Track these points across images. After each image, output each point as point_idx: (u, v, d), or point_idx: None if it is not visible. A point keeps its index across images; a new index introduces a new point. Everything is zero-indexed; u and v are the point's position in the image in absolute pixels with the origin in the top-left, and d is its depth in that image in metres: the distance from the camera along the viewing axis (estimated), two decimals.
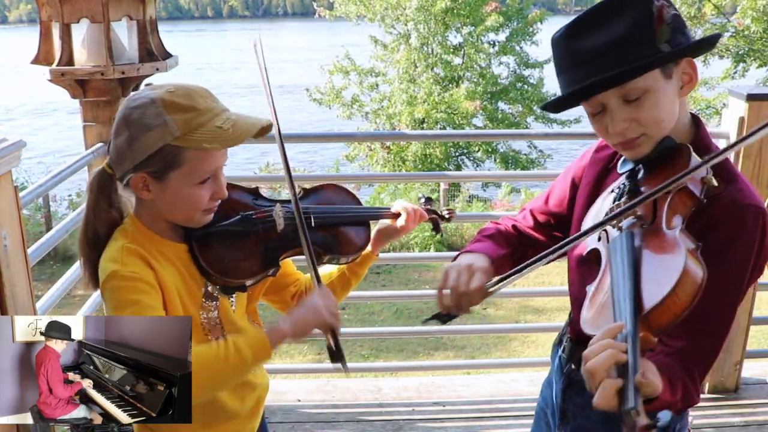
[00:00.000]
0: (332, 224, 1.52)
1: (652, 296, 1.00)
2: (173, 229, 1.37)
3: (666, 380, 1.08)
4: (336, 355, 1.33)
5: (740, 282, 1.19)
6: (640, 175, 1.26)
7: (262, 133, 1.34)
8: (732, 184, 1.21)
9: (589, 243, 1.25)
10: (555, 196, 1.51)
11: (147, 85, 1.34)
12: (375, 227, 1.63)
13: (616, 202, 1.23)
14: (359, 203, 1.61)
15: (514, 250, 1.49)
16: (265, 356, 1.29)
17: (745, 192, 1.21)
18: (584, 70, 1.19)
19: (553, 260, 1.20)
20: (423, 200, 1.66)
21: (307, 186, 1.61)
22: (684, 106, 1.27)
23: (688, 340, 1.16)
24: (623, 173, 1.29)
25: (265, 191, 1.57)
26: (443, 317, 1.32)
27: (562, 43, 1.24)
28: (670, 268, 1.01)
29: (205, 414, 1.39)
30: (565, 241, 1.20)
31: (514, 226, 1.54)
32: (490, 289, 1.27)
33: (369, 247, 1.59)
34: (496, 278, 1.27)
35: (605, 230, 1.20)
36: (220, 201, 1.37)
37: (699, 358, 1.18)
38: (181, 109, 1.25)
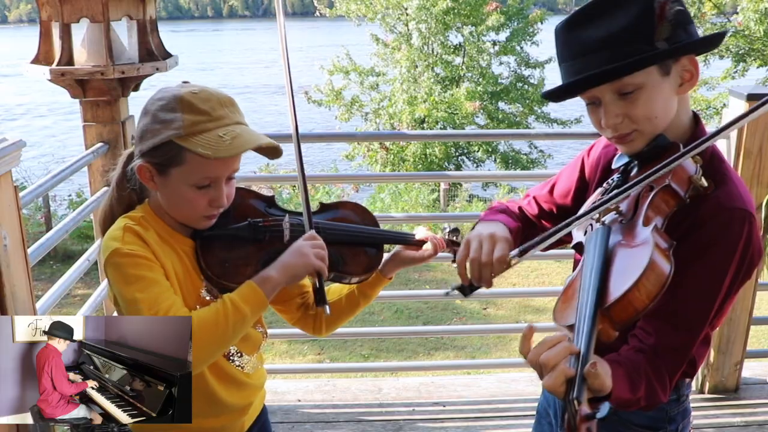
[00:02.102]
0: (341, 242, 1.47)
1: (615, 288, 1.00)
2: (182, 224, 1.39)
3: (626, 377, 1.09)
4: (320, 295, 1.35)
5: (719, 283, 1.18)
6: (633, 172, 1.26)
7: (266, 152, 1.37)
8: (723, 186, 1.20)
9: (576, 236, 1.25)
10: (561, 187, 1.50)
11: (184, 82, 1.36)
12: (392, 250, 1.58)
13: (602, 198, 1.23)
14: (377, 225, 1.55)
15: (524, 227, 1.48)
16: (262, 307, 1.32)
17: (735, 195, 1.19)
18: (580, 62, 1.20)
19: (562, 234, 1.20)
20: (448, 231, 1.59)
21: (316, 192, 1.60)
22: (685, 104, 1.26)
23: (660, 337, 1.16)
24: (618, 168, 1.29)
25: (266, 190, 1.56)
26: (466, 289, 1.29)
27: (563, 32, 1.24)
28: (636, 263, 1.02)
29: (195, 405, 1.39)
30: (559, 226, 1.21)
31: (520, 208, 1.53)
32: (513, 260, 1.24)
33: (384, 271, 1.55)
34: (519, 248, 1.23)
35: (591, 225, 1.20)
36: (221, 209, 1.37)
37: (669, 355, 1.18)
38: (194, 111, 1.28)
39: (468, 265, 1.28)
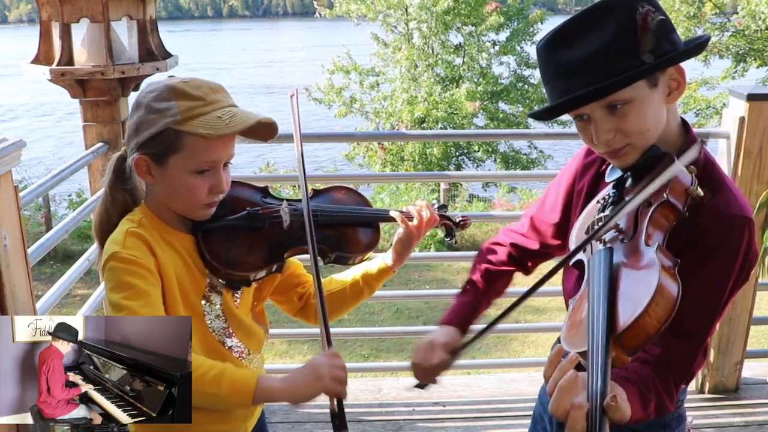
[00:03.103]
0: (340, 223, 1.52)
1: (625, 316, 0.98)
2: (180, 220, 1.39)
3: (638, 397, 1.08)
4: (338, 421, 1.26)
5: (722, 290, 1.18)
6: (627, 184, 1.25)
7: (263, 131, 1.36)
8: (720, 194, 1.19)
9: (576, 254, 1.23)
10: (549, 203, 1.51)
11: (170, 76, 1.37)
12: (392, 242, 1.59)
13: (600, 214, 1.22)
14: (369, 206, 1.59)
15: (509, 277, 1.56)
16: (241, 401, 1.25)
17: (733, 202, 1.19)
18: (567, 81, 1.17)
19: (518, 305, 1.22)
20: (437, 206, 1.61)
21: (315, 186, 1.61)
22: (673, 111, 1.25)
23: (666, 347, 1.16)
24: (611, 182, 1.28)
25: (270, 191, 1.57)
26: (421, 385, 1.47)
27: (546, 52, 1.21)
28: (644, 287, 1.00)
29: (203, 411, 1.39)
30: (540, 279, 1.19)
31: (512, 244, 1.55)
32: (450, 362, 1.42)
33: (389, 261, 1.58)
34: (453, 349, 1.42)
35: (590, 244, 1.18)
36: (221, 196, 1.38)
37: (675, 364, 1.17)
38: (188, 97, 1.29)
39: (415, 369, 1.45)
